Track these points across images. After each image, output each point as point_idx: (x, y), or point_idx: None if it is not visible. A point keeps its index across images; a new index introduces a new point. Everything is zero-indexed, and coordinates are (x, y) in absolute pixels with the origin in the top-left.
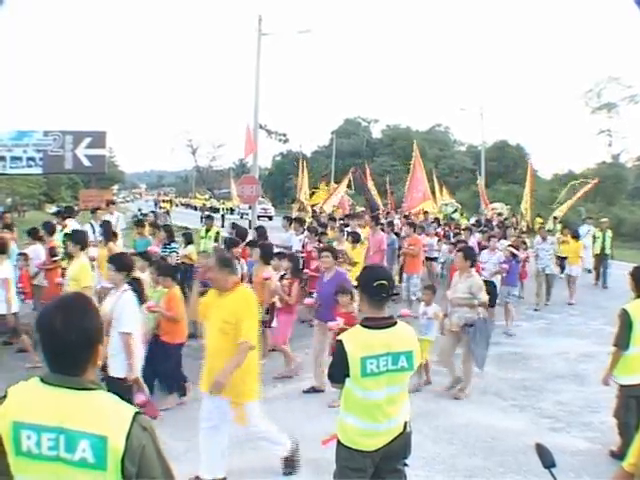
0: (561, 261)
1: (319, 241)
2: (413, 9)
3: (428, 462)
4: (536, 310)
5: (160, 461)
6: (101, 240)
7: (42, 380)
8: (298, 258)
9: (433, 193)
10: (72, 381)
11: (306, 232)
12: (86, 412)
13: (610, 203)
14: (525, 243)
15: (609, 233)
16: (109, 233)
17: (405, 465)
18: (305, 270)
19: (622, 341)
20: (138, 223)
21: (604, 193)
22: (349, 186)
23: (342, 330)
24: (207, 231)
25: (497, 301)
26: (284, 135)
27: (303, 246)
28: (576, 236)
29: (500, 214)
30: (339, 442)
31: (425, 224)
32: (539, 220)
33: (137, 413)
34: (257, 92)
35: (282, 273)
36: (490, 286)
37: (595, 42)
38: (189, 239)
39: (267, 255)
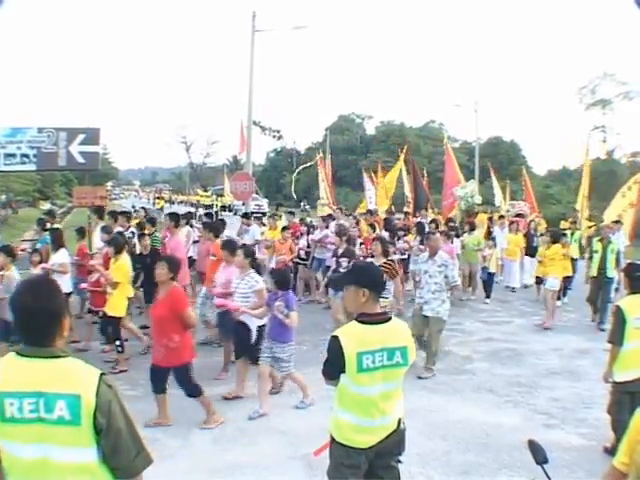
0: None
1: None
2: (407, 5)
3: (422, 458)
4: (421, 378)
5: (123, 413)
6: None
7: (18, 354)
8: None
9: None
10: (45, 351)
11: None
12: (60, 376)
13: (604, 199)
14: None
15: (614, 244)
16: None
17: (399, 462)
18: (83, 285)
19: (617, 337)
20: None
21: (598, 189)
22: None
23: None
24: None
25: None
26: (278, 132)
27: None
28: (557, 239)
29: (520, 215)
30: (333, 439)
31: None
32: (587, 223)
33: (102, 374)
34: (251, 88)
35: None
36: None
37: (590, 38)
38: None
39: None
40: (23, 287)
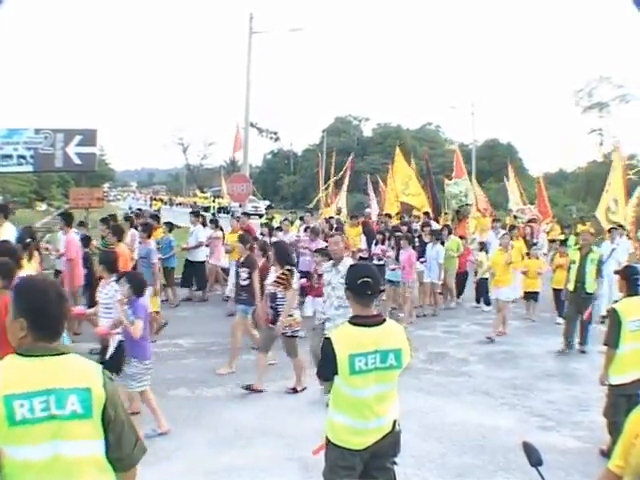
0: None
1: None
2: (404, 7)
3: (418, 460)
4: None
5: (122, 404)
6: None
7: (21, 355)
8: None
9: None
10: (51, 348)
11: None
12: (68, 371)
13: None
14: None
15: (595, 253)
16: None
17: (394, 463)
18: None
19: (612, 340)
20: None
21: (594, 192)
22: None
23: None
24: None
25: None
26: (275, 133)
27: None
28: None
29: (533, 220)
30: (329, 441)
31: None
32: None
33: (102, 367)
34: (248, 90)
35: None
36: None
37: (587, 41)
38: None
39: None
40: (41, 284)
